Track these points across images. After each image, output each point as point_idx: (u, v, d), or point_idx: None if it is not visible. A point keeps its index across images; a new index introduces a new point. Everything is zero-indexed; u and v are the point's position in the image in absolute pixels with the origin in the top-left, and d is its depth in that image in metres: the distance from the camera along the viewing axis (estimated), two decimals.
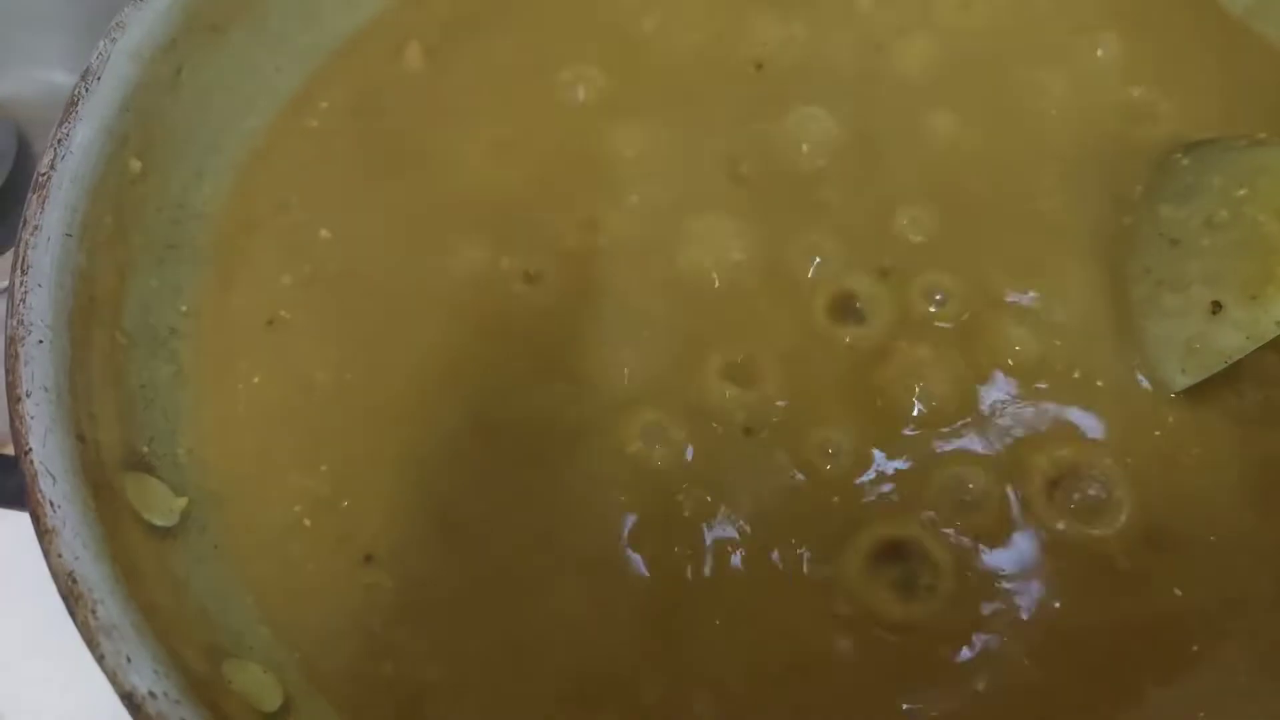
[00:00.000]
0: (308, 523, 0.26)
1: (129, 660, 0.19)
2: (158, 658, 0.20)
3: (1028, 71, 0.32)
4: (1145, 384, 0.27)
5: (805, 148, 0.30)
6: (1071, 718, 0.24)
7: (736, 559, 0.25)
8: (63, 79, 0.43)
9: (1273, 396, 0.27)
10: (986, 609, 0.25)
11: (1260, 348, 0.26)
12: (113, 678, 0.19)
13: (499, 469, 0.26)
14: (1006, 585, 0.25)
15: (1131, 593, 0.25)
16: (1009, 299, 0.28)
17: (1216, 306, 0.26)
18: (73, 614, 0.20)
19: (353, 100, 0.32)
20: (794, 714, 0.24)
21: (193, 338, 0.28)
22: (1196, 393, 0.27)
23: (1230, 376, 0.26)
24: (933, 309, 0.28)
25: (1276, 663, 0.24)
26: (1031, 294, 0.28)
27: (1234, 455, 0.26)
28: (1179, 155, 0.30)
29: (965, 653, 0.24)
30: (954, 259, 0.28)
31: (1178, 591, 0.25)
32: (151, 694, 0.19)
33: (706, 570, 0.25)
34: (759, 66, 0.32)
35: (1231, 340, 0.26)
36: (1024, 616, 0.25)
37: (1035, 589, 0.25)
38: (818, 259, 0.28)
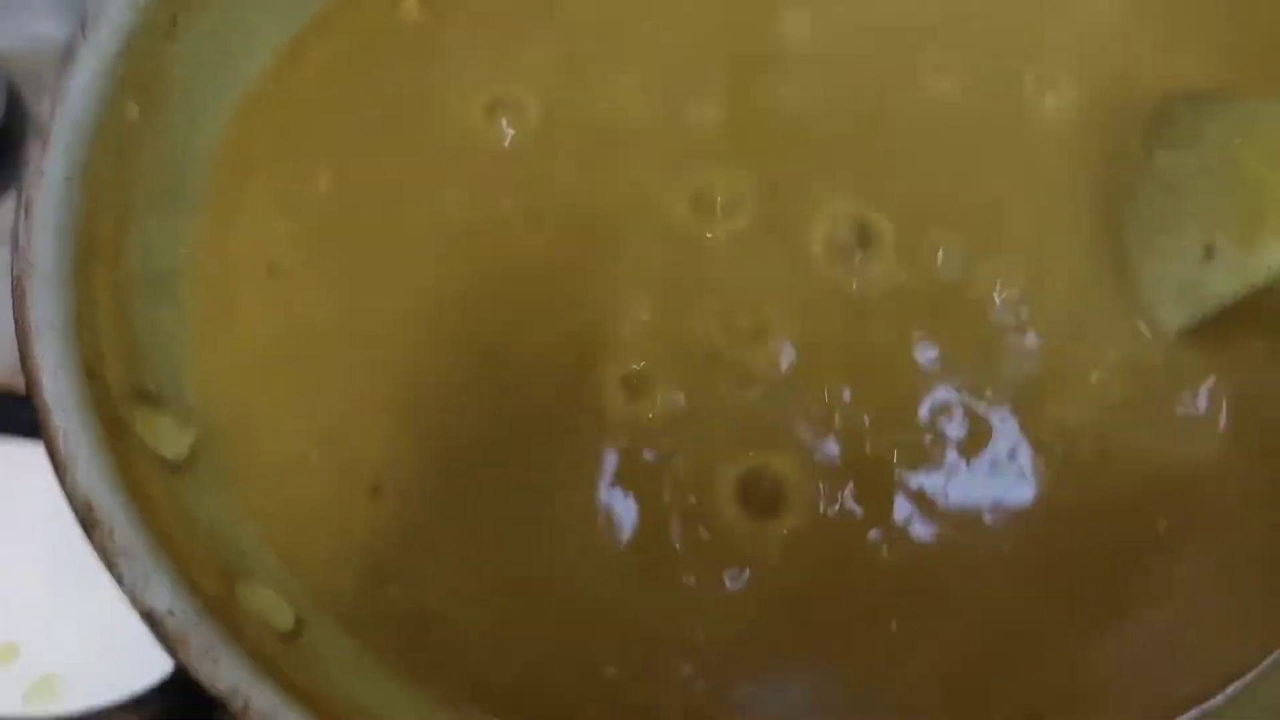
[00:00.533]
0: (313, 456, 0.26)
1: (146, 580, 0.20)
2: (174, 577, 0.20)
3: (1029, 27, 0.31)
4: (1145, 330, 0.28)
5: (803, 102, 0.30)
6: (1052, 636, 0.25)
7: (733, 499, 0.26)
8: (51, 28, 0.43)
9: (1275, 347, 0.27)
10: (971, 537, 0.26)
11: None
12: (132, 597, 0.20)
13: (499, 407, 0.27)
14: (991, 515, 0.26)
15: (1115, 524, 0.26)
16: (1012, 252, 0.28)
17: (1210, 251, 0.27)
18: (90, 539, 0.20)
19: (349, 49, 0.32)
20: (787, 638, 0.25)
21: (193, 280, 0.28)
22: (1198, 339, 0.27)
23: (1237, 325, 0.27)
24: (937, 262, 0.28)
25: (1252, 595, 0.26)
26: (1034, 247, 0.28)
27: (1228, 398, 0.27)
28: (1178, 105, 0.30)
29: (952, 582, 0.25)
30: (955, 214, 0.29)
31: (1162, 524, 0.26)
32: (170, 612, 0.19)
33: (705, 510, 0.26)
34: (755, 23, 0.31)
35: (1225, 284, 0.26)
36: (1007, 546, 0.26)
37: (1022, 519, 0.26)
38: (818, 214, 0.29)
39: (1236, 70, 0.31)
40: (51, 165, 0.24)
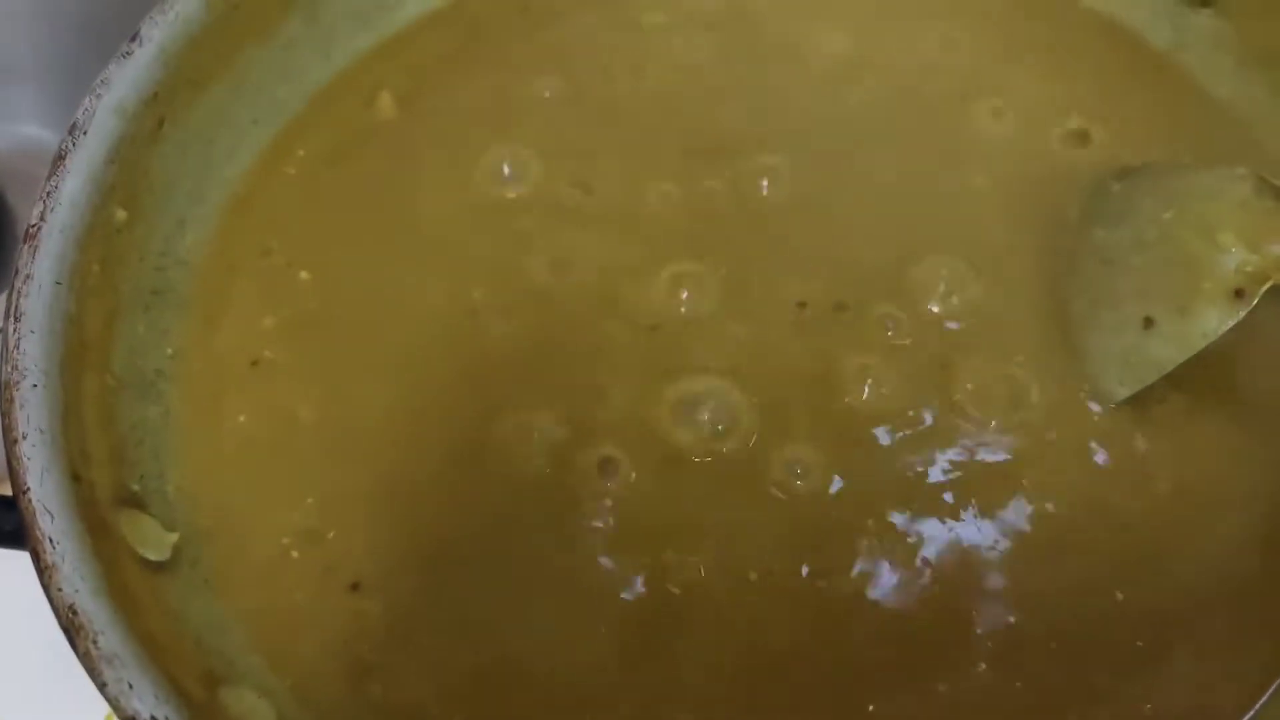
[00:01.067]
0: (295, 554, 0.26)
1: (130, 687, 0.20)
2: (158, 684, 0.20)
3: (968, 109, 0.33)
4: (1089, 399, 0.28)
5: (758, 186, 0.31)
6: (1027, 716, 0.25)
7: (706, 575, 0.26)
8: (37, 132, 0.44)
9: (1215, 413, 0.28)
10: (946, 617, 0.26)
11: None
12: (115, 704, 0.20)
13: (477, 496, 0.27)
14: (964, 598, 0.26)
15: (1078, 599, 0.26)
16: (959, 325, 0.29)
17: (1149, 321, 0.28)
18: (74, 645, 0.20)
19: (328, 148, 0.33)
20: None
21: (179, 380, 0.29)
22: (1138, 407, 0.28)
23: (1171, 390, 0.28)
24: (888, 335, 0.29)
25: (1215, 654, 0.26)
26: (979, 319, 0.29)
27: (1173, 468, 0.28)
28: (1111, 181, 0.31)
29: (928, 659, 0.26)
30: (903, 289, 0.30)
31: (1119, 595, 0.26)
32: (153, 718, 0.19)
33: (678, 587, 0.26)
34: (714, 115, 0.33)
35: (1164, 352, 0.28)
36: (980, 628, 0.26)
37: (993, 600, 0.26)
38: (776, 297, 0.30)
39: (1155, 141, 0.32)
40: (40, 270, 0.25)
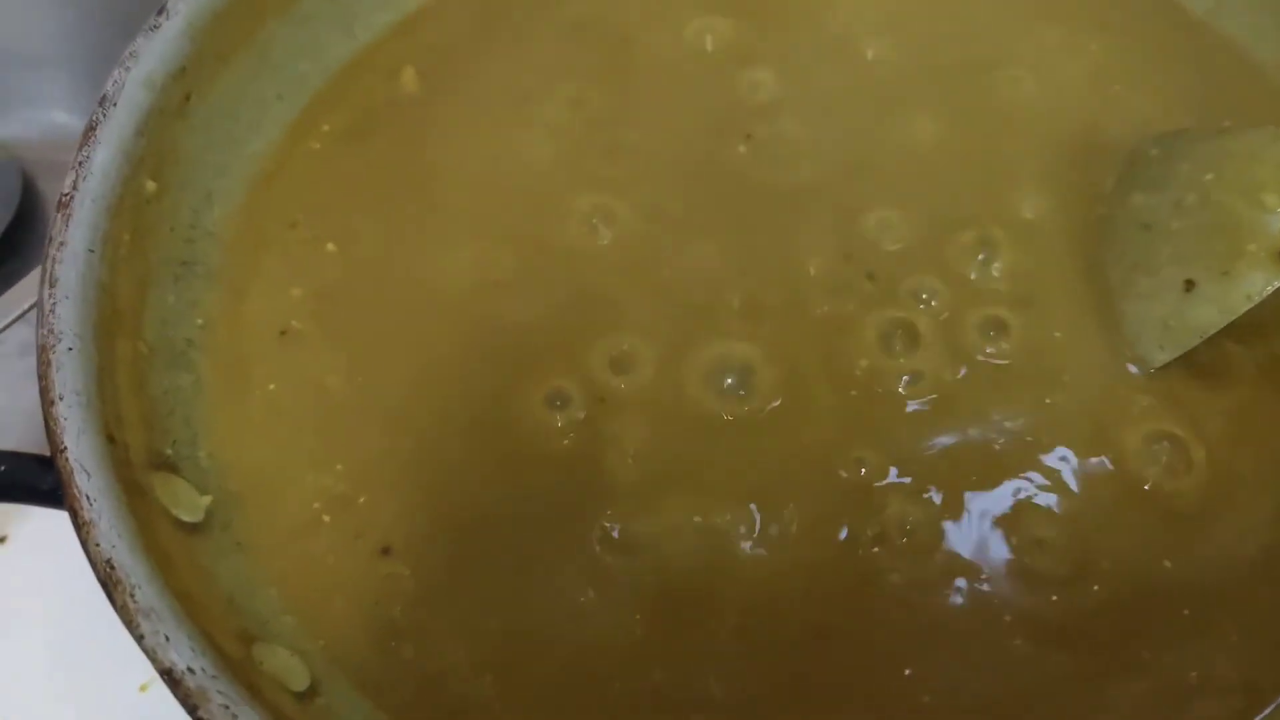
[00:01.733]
0: (326, 519, 0.26)
1: (167, 639, 0.20)
2: (194, 637, 0.21)
3: (1001, 74, 0.33)
4: (1128, 364, 0.28)
5: (784, 155, 0.31)
6: (1066, 685, 0.25)
7: (737, 541, 0.26)
8: (65, 119, 0.45)
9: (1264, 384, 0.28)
10: (984, 584, 0.26)
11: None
12: (152, 655, 0.20)
13: (503, 464, 0.27)
14: (1003, 566, 0.26)
15: (1123, 567, 0.26)
16: (994, 295, 0.29)
17: (1189, 285, 0.27)
18: (112, 599, 0.21)
19: (352, 123, 0.33)
20: (802, 685, 0.25)
21: (209, 350, 0.29)
22: (1176, 373, 0.28)
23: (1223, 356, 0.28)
24: (921, 307, 0.29)
25: (1261, 625, 0.25)
26: (1015, 287, 0.29)
27: (1211, 435, 0.27)
28: (1149, 146, 0.31)
29: (964, 624, 0.25)
30: (938, 258, 0.29)
31: (1167, 564, 0.26)
32: (190, 670, 0.20)
33: (708, 554, 0.26)
34: (739, 82, 0.33)
35: (1205, 316, 0.27)
36: (1020, 596, 0.25)
37: (1033, 568, 0.26)
38: (803, 266, 0.29)
39: (1193, 106, 0.32)
40: (74, 238, 0.25)
